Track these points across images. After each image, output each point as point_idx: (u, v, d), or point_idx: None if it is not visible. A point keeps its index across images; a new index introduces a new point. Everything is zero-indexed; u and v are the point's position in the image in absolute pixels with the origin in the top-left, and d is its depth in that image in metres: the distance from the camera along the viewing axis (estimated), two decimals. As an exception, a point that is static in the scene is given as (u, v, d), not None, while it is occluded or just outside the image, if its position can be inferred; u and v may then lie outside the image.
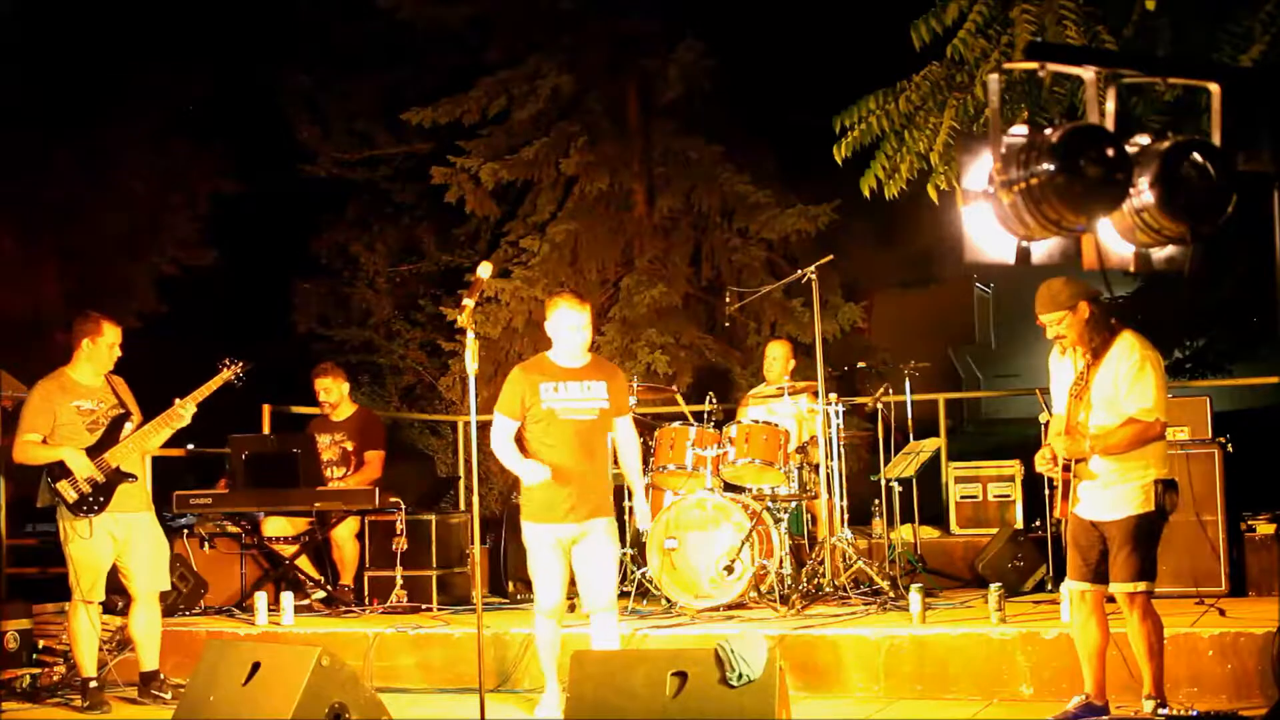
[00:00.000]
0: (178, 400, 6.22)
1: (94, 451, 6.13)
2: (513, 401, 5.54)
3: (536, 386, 5.50)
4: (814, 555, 7.49)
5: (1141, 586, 4.85)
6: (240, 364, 6.47)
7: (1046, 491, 7.94)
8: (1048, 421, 5.13)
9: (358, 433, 8.32)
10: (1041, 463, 5.09)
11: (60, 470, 6.08)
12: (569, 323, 5.50)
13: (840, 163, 6.42)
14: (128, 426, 6.25)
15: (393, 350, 15.74)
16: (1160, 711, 4.92)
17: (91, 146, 15.75)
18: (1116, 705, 5.09)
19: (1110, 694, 5.09)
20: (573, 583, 5.64)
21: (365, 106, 15.42)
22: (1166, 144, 2.64)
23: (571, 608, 7.27)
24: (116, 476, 6.15)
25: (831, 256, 7.94)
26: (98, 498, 6.10)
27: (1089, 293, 4.92)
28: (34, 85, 14.75)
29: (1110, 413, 4.88)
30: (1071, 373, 5.02)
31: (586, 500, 5.49)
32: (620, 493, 7.11)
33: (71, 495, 6.06)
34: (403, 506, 7.68)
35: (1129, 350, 4.88)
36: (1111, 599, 4.99)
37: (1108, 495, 4.92)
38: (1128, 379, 4.83)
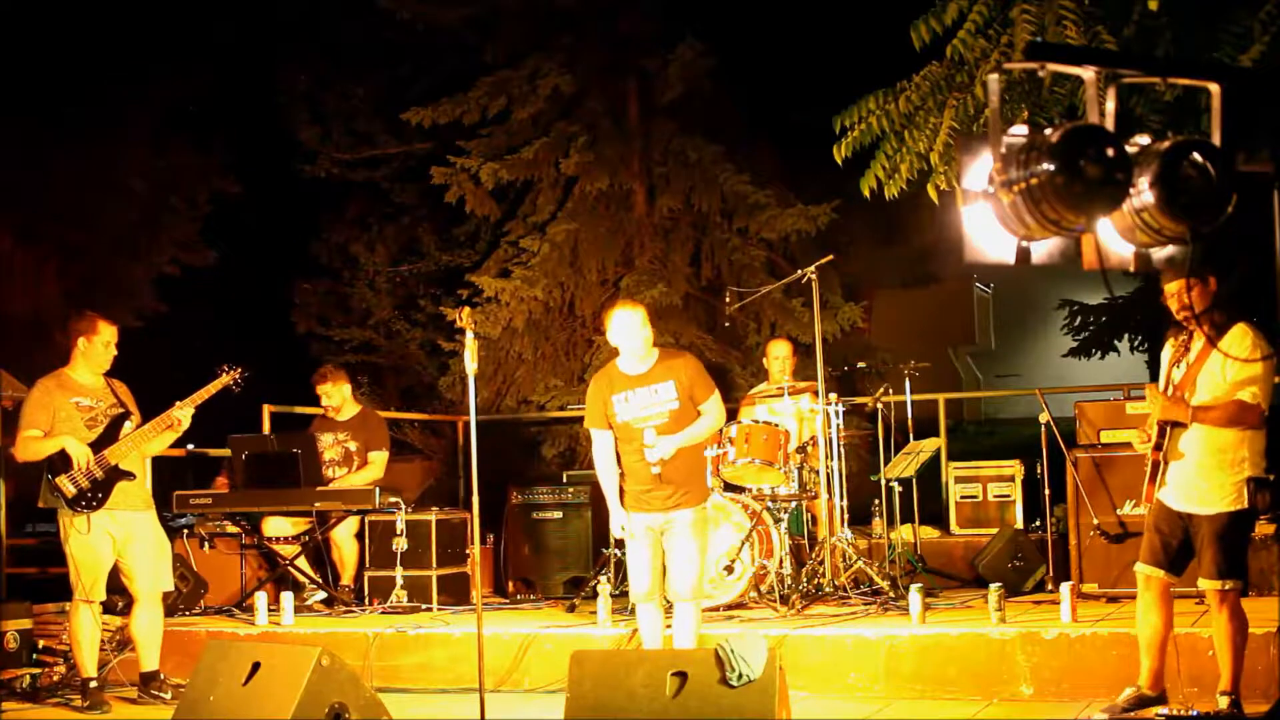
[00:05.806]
0: (177, 403, 6.24)
1: (93, 449, 6.14)
2: (595, 414, 5.71)
3: (609, 398, 5.67)
4: (814, 555, 7.49)
5: (1229, 585, 4.85)
6: (239, 369, 6.49)
7: (1046, 491, 7.96)
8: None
9: (361, 432, 8.33)
10: (1138, 440, 5.09)
11: (60, 465, 6.08)
12: (624, 327, 5.61)
13: (840, 163, 6.40)
14: (127, 425, 6.27)
15: (393, 350, 15.72)
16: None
17: (91, 146, 15.74)
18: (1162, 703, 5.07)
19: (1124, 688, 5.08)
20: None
21: (365, 106, 15.40)
22: (1166, 144, 2.64)
23: (572, 608, 7.30)
24: (115, 474, 6.16)
25: (831, 256, 7.94)
26: (96, 493, 6.10)
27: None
28: (34, 84, 14.74)
29: (1213, 394, 4.85)
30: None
31: (674, 491, 5.58)
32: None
33: (70, 490, 6.07)
34: (403, 506, 7.68)
35: (1243, 336, 4.87)
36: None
37: (1201, 487, 4.89)
38: (1239, 360, 4.80)
